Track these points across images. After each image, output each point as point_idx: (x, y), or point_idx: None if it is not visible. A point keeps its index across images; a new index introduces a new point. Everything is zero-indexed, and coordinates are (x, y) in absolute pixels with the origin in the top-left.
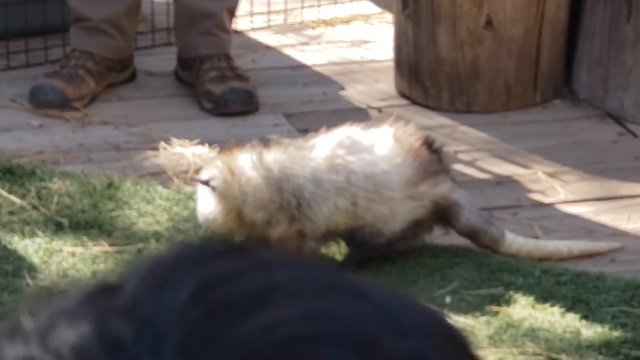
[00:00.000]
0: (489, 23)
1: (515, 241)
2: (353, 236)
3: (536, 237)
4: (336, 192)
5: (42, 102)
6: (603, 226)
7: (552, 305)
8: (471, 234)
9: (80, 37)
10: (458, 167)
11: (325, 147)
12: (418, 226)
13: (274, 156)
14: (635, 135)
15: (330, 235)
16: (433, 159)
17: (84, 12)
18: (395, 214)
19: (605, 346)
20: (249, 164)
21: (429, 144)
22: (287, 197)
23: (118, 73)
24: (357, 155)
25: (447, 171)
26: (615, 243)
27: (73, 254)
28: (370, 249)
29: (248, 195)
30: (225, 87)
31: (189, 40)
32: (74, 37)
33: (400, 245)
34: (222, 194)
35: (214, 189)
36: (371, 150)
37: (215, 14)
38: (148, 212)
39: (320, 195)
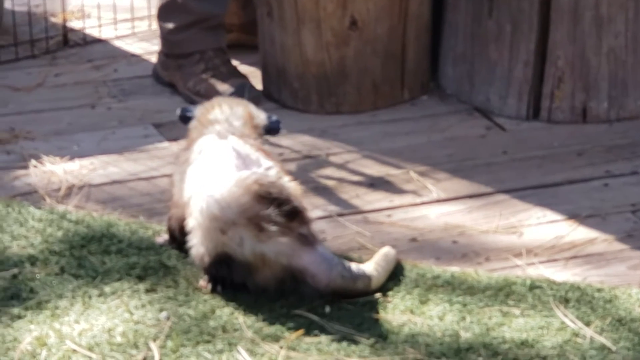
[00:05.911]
0: (353, 23)
1: (377, 277)
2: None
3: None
4: (181, 177)
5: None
6: (475, 224)
7: (430, 309)
8: (338, 293)
9: (210, 37)
10: (330, 170)
11: (214, 145)
12: (247, 269)
13: None
14: (502, 129)
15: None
16: (266, 216)
17: (210, 10)
18: (203, 236)
19: (484, 347)
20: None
21: (274, 202)
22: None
23: None
24: (213, 164)
25: (288, 234)
26: (388, 248)
27: None
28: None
29: None
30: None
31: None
32: (200, 39)
33: (217, 273)
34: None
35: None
36: (219, 171)
37: None
38: (21, 234)
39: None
